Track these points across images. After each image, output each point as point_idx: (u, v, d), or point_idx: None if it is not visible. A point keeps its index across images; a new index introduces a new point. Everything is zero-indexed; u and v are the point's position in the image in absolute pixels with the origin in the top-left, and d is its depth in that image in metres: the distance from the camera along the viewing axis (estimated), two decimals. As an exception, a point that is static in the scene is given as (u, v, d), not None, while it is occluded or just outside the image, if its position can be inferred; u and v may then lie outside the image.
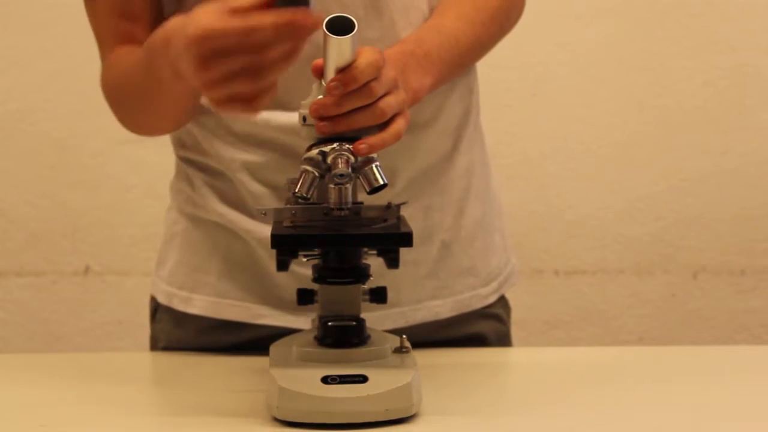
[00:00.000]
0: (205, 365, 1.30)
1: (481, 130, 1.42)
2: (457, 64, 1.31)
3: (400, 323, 1.32)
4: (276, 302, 1.32)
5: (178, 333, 1.38)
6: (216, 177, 1.31)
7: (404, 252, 1.23)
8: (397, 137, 1.11)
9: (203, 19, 0.99)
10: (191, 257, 1.36)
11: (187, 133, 1.36)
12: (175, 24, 1.08)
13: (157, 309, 1.40)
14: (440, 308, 1.35)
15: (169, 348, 1.39)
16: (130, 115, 1.35)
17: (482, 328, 1.39)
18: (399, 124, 1.11)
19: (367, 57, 1.07)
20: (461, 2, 1.32)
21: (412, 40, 1.25)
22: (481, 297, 1.38)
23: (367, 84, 1.08)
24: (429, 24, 1.29)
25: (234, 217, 1.31)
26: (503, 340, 1.42)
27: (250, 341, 1.33)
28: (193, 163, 1.36)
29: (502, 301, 1.43)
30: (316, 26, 0.97)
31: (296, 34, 0.98)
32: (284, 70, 1.00)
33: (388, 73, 1.11)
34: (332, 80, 1.06)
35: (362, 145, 1.08)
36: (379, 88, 1.09)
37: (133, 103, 1.32)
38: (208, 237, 1.34)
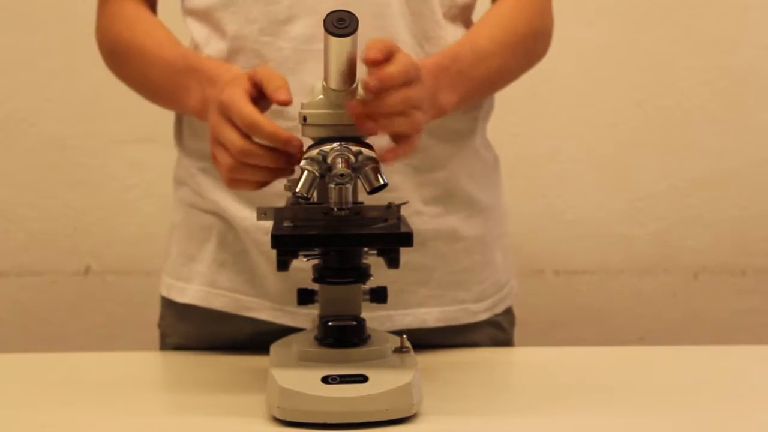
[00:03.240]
0: (205, 365, 1.30)
1: (488, 144, 1.43)
2: (485, 86, 1.33)
3: (387, 326, 1.32)
4: (264, 295, 1.32)
5: (182, 327, 1.39)
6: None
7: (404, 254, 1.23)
8: (414, 151, 1.15)
9: (239, 110, 1.10)
10: (187, 247, 1.37)
11: (187, 123, 1.37)
12: (229, 76, 1.18)
13: (163, 304, 1.42)
14: (427, 316, 1.35)
15: (175, 343, 1.40)
16: (122, 75, 1.38)
17: (476, 338, 1.39)
18: (416, 140, 1.14)
19: (401, 63, 1.11)
20: (494, 24, 1.33)
21: (449, 56, 1.27)
22: (470, 312, 1.37)
23: (408, 93, 1.11)
24: (465, 41, 1.31)
25: (228, 204, 1.31)
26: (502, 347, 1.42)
27: (250, 338, 1.33)
28: (191, 151, 1.37)
29: (506, 310, 1.43)
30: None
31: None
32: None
33: (425, 86, 1.14)
34: (369, 79, 1.09)
35: (389, 155, 1.12)
36: (417, 98, 1.12)
37: (133, 74, 1.35)
38: (203, 226, 1.35)
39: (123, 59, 1.35)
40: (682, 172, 2.09)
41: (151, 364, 1.33)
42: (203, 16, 1.33)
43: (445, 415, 1.10)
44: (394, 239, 1.11)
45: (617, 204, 2.09)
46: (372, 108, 1.10)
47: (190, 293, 1.36)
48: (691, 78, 2.08)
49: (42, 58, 2.05)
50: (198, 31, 1.34)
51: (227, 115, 1.12)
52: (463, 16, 1.38)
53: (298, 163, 1.09)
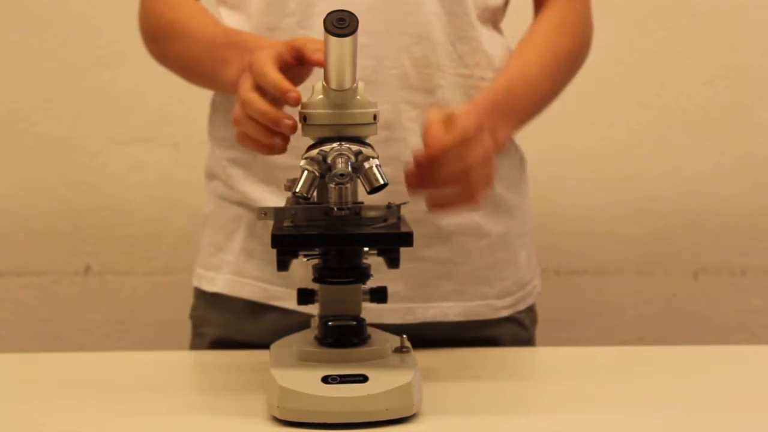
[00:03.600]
0: (205, 365, 1.30)
1: (515, 144, 1.44)
2: (536, 111, 1.35)
3: (408, 319, 1.33)
4: (292, 285, 1.32)
5: (212, 316, 1.41)
6: (243, 151, 1.32)
7: (424, 249, 1.24)
8: (477, 203, 1.17)
9: (256, 62, 1.12)
10: (217, 238, 1.39)
11: (220, 110, 1.38)
12: (258, 43, 1.21)
13: (195, 295, 1.44)
14: (449, 310, 1.36)
15: (205, 333, 1.41)
16: (164, 56, 1.39)
17: (497, 333, 1.39)
18: (489, 190, 1.18)
19: (456, 131, 1.13)
20: (541, 47, 1.35)
21: (502, 89, 1.28)
22: (493, 308, 1.39)
23: (463, 167, 1.14)
24: (517, 69, 1.32)
25: (256, 195, 1.33)
26: (523, 345, 1.43)
27: (277, 328, 1.31)
28: (221, 140, 1.38)
29: (529, 308, 1.44)
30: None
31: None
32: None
33: (482, 143, 1.15)
34: (420, 157, 1.13)
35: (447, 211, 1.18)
36: (478, 159, 1.14)
37: (175, 53, 1.36)
38: (232, 217, 1.37)
39: (164, 40, 1.37)
40: (681, 172, 2.09)
41: (151, 364, 1.33)
42: (237, 6, 1.35)
43: (445, 415, 1.10)
44: (394, 239, 1.11)
45: (617, 204, 2.09)
46: (428, 182, 1.14)
47: (219, 282, 1.38)
48: (691, 78, 2.08)
49: (42, 58, 2.05)
50: (231, 21, 1.36)
51: (249, 71, 1.14)
52: (494, 19, 1.39)
53: (292, 131, 1.10)
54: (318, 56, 1.10)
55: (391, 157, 1.29)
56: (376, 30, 1.29)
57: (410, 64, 1.31)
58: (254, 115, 1.11)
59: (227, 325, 1.39)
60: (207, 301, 1.41)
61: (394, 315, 1.33)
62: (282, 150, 1.13)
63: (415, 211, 1.18)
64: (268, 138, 1.11)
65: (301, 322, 1.23)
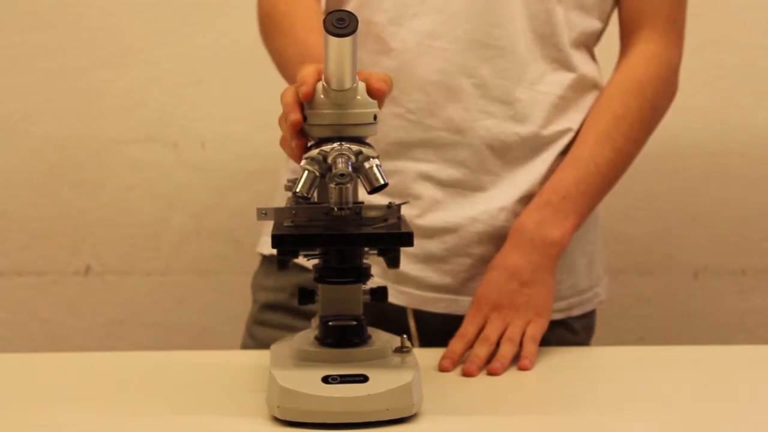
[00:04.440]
0: (205, 365, 1.30)
1: None
2: (602, 188, 1.37)
3: (453, 309, 1.39)
4: None
5: (269, 282, 1.46)
6: None
7: (475, 246, 1.25)
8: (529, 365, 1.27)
9: (302, 76, 1.12)
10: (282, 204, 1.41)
11: None
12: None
13: (259, 263, 1.51)
14: None
15: (262, 300, 1.46)
16: (267, 43, 1.43)
17: (545, 335, 1.40)
18: (530, 349, 1.29)
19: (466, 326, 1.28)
20: (600, 118, 1.37)
21: (548, 188, 1.34)
22: None
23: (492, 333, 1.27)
24: (567, 159, 1.36)
25: None
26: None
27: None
28: None
29: (584, 315, 1.45)
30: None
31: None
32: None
33: (497, 321, 1.28)
34: (449, 355, 1.27)
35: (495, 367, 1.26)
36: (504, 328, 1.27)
37: (275, 46, 1.40)
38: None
39: (272, 29, 1.40)
40: (681, 172, 2.09)
41: (151, 364, 1.33)
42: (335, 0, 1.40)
43: (445, 415, 1.10)
44: (394, 239, 1.11)
45: (617, 204, 2.09)
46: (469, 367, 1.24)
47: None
48: (691, 78, 2.08)
49: (42, 58, 2.05)
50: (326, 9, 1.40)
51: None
52: (587, 43, 1.42)
53: (293, 127, 1.10)
54: (380, 86, 1.10)
55: (458, 161, 1.36)
56: (459, 37, 1.34)
57: (490, 75, 1.35)
58: (282, 107, 1.12)
59: (276, 290, 1.43)
60: (265, 266, 1.47)
61: (440, 305, 1.39)
62: (295, 157, 1.12)
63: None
64: (290, 139, 1.11)
65: None
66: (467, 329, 1.29)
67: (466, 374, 1.24)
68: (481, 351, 1.26)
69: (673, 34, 1.39)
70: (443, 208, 1.37)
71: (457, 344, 1.28)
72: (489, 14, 1.34)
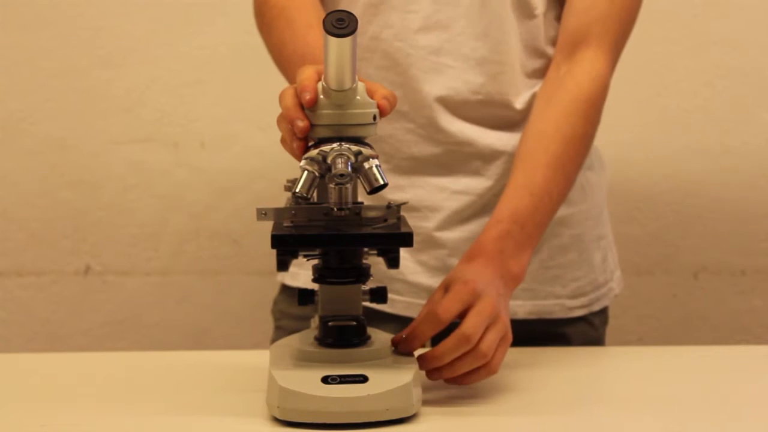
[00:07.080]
0: (205, 365, 1.30)
1: (598, 152, 1.47)
2: (551, 218, 1.32)
3: None
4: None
5: (293, 311, 1.45)
6: None
7: None
8: (496, 371, 1.17)
9: (289, 92, 1.13)
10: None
11: None
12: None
13: (279, 291, 1.50)
14: (518, 308, 1.38)
15: (284, 326, 1.45)
16: (264, 36, 1.42)
17: (567, 332, 1.40)
18: (498, 358, 1.17)
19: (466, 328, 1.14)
20: (551, 140, 1.31)
21: (506, 216, 1.27)
22: (566, 308, 1.41)
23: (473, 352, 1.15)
24: (520, 183, 1.29)
25: None
26: (592, 344, 1.43)
27: None
28: None
29: (601, 310, 1.45)
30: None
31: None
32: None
33: (484, 310, 1.16)
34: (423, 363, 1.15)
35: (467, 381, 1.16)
36: (477, 337, 1.15)
37: (273, 41, 1.39)
38: None
39: (270, 23, 1.39)
40: (681, 172, 2.09)
41: (152, 364, 1.33)
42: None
43: (445, 415, 1.10)
44: (394, 239, 1.11)
45: (617, 204, 2.09)
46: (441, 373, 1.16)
47: (302, 278, 1.42)
48: (691, 78, 2.08)
49: (42, 58, 2.05)
50: None
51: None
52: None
53: (301, 133, 1.09)
54: (383, 103, 1.10)
55: (471, 171, 1.38)
56: (467, 55, 1.36)
57: (495, 91, 1.37)
58: (282, 110, 1.11)
59: (305, 318, 1.41)
60: (288, 295, 1.46)
61: None
62: (296, 157, 1.11)
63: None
64: (290, 140, 1.11)
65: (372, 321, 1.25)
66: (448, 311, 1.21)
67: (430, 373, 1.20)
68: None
69: (615, 55, 1.37)
70: (461, 220, 1.37)
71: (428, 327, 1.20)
72: (493, 31, 1.35)
